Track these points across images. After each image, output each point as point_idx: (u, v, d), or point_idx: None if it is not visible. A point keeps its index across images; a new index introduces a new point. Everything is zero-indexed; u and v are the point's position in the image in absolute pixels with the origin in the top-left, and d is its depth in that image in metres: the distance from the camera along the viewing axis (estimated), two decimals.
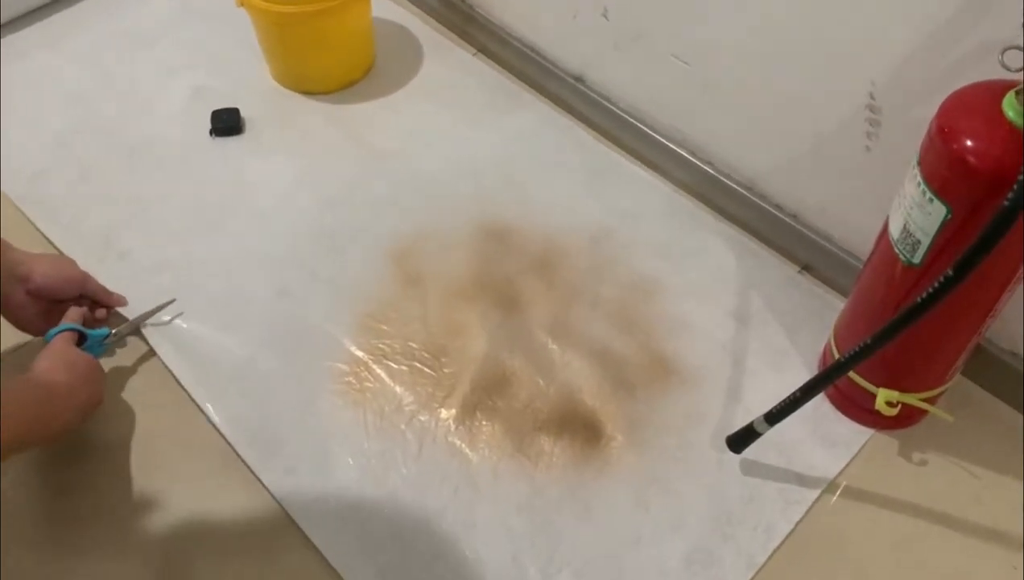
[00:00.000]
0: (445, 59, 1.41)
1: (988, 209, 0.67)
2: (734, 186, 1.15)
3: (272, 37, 1.29)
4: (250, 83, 1.35)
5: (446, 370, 1.04)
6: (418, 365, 1.04)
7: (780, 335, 1.08)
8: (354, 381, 1.02)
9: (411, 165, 1.25)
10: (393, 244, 1.15)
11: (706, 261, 1.15)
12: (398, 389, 1.02)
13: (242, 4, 1.22)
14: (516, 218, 1.19)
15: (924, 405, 0.93)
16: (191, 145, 1.27)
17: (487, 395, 1.02)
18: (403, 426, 0.99)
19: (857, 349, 0.79)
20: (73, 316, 0.98)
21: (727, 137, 1.14)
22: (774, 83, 1.02)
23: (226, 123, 1.28)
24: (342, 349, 1.05)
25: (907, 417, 0.98)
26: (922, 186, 0.76)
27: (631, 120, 1.23)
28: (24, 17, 1.43)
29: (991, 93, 0.73)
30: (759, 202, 1.13)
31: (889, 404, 0.92)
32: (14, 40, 1.41)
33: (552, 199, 1.22)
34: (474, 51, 1.42)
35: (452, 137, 1.29)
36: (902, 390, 0.92)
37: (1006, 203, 0.65)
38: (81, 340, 0.97)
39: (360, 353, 1.05)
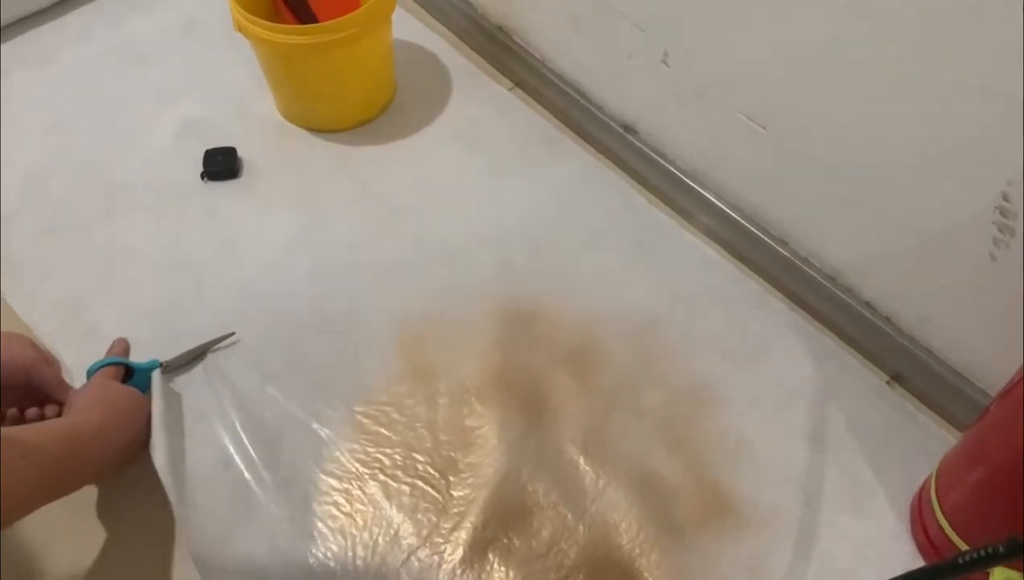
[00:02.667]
0: (476, 93, 1.22)
1: None
2: (813, 274, 0.95)
3: (277, 69, 1.11)
4: (252, 117, 1.17)
5: (455, 493, 0.86)
6: (421, 484, 0.86)
7: (862, 463, 0.88)
8: (344, 502, 0.85)
9: (427, 226, 1.07)
10: (399, 327, 0.97)
11: (776, 363, 0.95)
12: (396, 515, 0.84)
13: (241, 31, 1.05)
14: (546, 298, 1.00)
15: None
16: (178, 190, 1.10)
17: (502, 530, 0.84)
18: (399, 566, 0.81)
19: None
20: (118, 349, 0.91)
21: (809, 216, 0.94)
22: (877, 161, 0.82)
23: (220, 166, 1.11)
24: (332, 457, 0.88)
25: None
26: None
27: (690, 183, 1.03)
28: (9, 27, 1.27)
29: None
30: (843, 297, 0.94)
31: None
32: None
33: (590, 275, 1.02)
34: (511, 85, 1.23)
35: (477, 192, 1.10)
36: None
37: None
38: (128, 375, 0.88)
39: (354, 464, 0.87)
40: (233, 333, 0.96)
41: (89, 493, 0.86)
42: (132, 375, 0.88)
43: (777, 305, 1.00)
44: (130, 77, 1.22)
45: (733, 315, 0.99)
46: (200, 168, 1.11)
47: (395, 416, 0.91)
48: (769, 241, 0.98)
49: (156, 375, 0.90)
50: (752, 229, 0.99)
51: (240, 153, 1.13)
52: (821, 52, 0.79)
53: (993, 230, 0.75)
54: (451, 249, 1.05)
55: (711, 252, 1.04)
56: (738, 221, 1.00)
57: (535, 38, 1.16)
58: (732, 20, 0.86)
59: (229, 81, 1.20)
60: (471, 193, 1.10)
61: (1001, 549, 0.58)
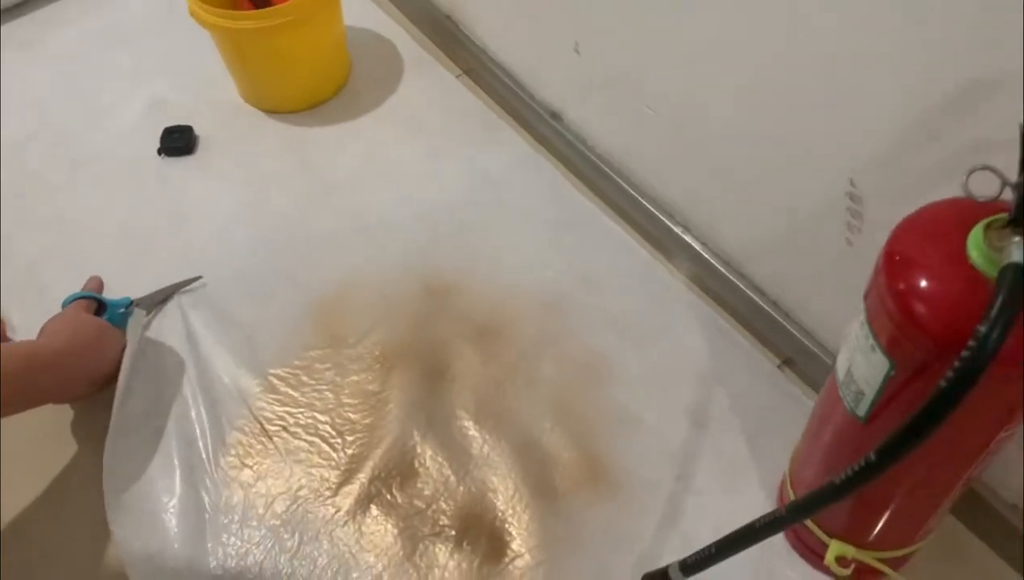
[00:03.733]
0: (426, 79, 1.27)
1: (934, 377, 0.50)
2: (710, 259, 0.99)
3: (229, 53, 1.18)
4: (213, 98, 1.25)
5: (348, 451, 0.92)
6: (319, 442, 0.92)
7: (741, 444, 0.91)
8: (248, 454, 0.92)
9: (361, 201, 1.13)
10: (320, 294, 1.04)
11: (672, 342, 0.99)
12: (293, 469, 0.91)
13: (193, 17, 1.12)
14: (464, 273, 1.06)
15: (883, 567, 0.76)
16: (137, 163, 1.18)
17: (387, 486, 0.89)
18: (288, 515, 0.88)
19: (776, 516, 0.63)
20: (92, 285, 0.98)
21: (706, 203, 0.97)
22: (754, 152, 0.85)
23: (176, 143, 1.18)
24: (243, 412, 0.95)
25: (868, 572, 0.80)
26: (865, 328, 0.59)
27: (606, 169, 1.07)
28: (8, 11, 1.37)
29: (960, 218, 0.55)
30: (737, 282, 0.97)
31: (841, 562, 0.75)
32: None
33: (510, 252, 1.07)
34: (459, 72, 1.28)
35: (414, 171, 1.16)
36: (859, 546, 0.75)
37: (943, 384, 0.49)
38: (101, 309, 0.96)
39: (260, 421, 0.94)
40: (200, 277, 1.05)
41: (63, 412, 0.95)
42: (104, 310, 0.97)
43: (680, 288, 1.03)
44: (109, 59, 1.31)
45: (638, 296, 1.03)
46: (159, 144, 1.19)
47: (304, 379, 0.97)
48: (673, 226, 1.01)
49: (137, 313, 0.99)
50: (658, 214, 1.03)
51: (197, 131, 1.21)
52: (705, 45, 0.82)
53: (846, 216, 0.77)
54: (381, 225, 1.11)
55: (626, 235, 1.08)
56: (646, 207, 1.03)
57: (477, 27, 1.21)
58: (629, 15, 0.89)
59: (198, 64, 1.27)
60: (408, 173, 1.16)
61: (784, 514, 0.62)
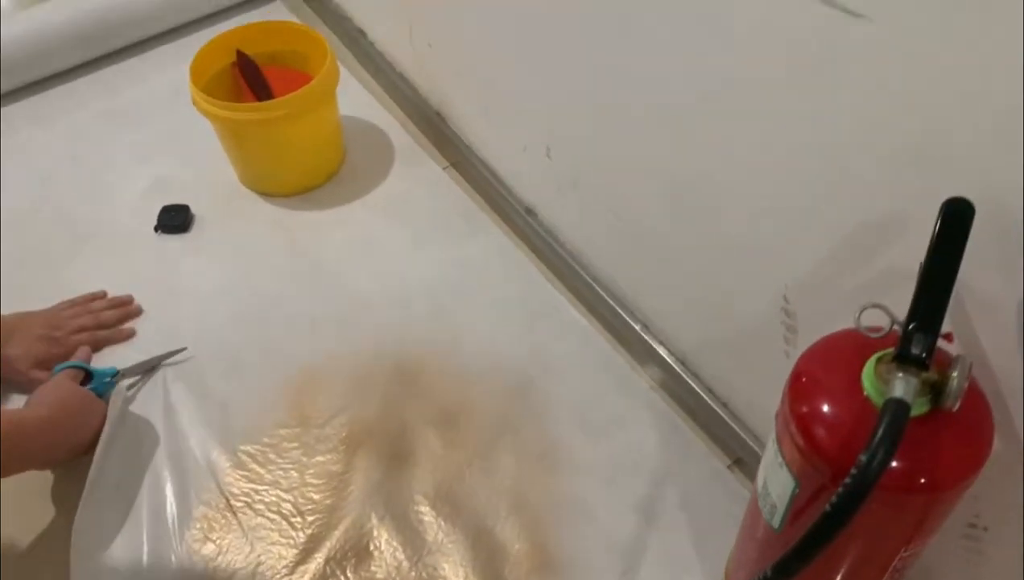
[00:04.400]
0: (414, 170, 1.34)
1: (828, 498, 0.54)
2: (666, 358, 1.03)
3: (228, 141, 1.26)
4: (213, 178, 1.32)
5: (308, 531, 0.95)
6: (280, 520, 0.96)
7: (687, 542, 0.94)
8: (212, 528, 0.95)
9: (343, 283, 1.18)
10: (296, 372, 1.08)
11: (627, 435, 1.03)
12: (254, 546, 0.94)
13: (195, 106, 1.19)
14: (435, 356, 1.10)
15: None
16: (135, 239, 1.24)
17: (342, 568, 0.92)
18: None
19: None
20: (81, 354, 1.05)
21: (660, 302, 1.02)
22: (699, 259, 0.90)
23: (173, 221, 1.25)
24: (211, 486, 0.98)
25: None
26: (775, 445, 0.63)
27: (575, 265, 1.12)
28: (18, 91, 1.46)
29: (861, 348, 0.60)
30: (689, 381, 1.00)
31: None
32: (12, 111, 1.43)
33: (480, 337, 1.12)
34: (446, 164, 1.34)
35: (396, 257, 1.22)
36: None
37: (828, 507, 0.52)
38: (87, 379, 1.01)
39: (227, 496, 0.98)
40: (185, 348, 1.10)
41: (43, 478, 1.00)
42: (91, 379, 1.02)
43: (639, 382, 1.07)
44: (116, 138, 1.39)
45: (597, 387, 1.07)
46: (157, 221, 1.25)
47: (272, 456, 1.01)
48: (633, 323, 1.06)
49: (120, 385, 1.04)
50: (620, 311, 1.07)
51: (194, 210, 1.27)
52: (656, 160, 0.88)
53: (782, 329, 0.81)
54: (359, 306, 1.16)
55: (590, 327, 1.13)
56: (609, 303, 1.08)
57: (463, 125, 1.27)
58: (593, 128, 0.96)
59: (199, 146, 1.34)
60: (389, 259, 1.22)
61: None
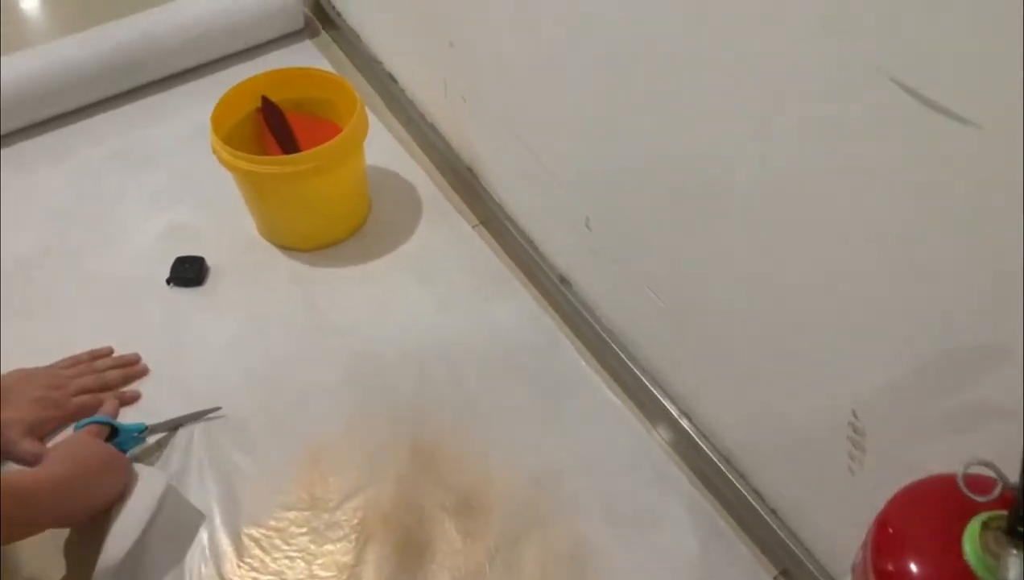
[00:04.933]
0: (442, 227, 1.27)
1: None
2: (710, 454, 0.95)
3: (249, 192, 1.19)
4: (230, 228, 1.25)
5: None
6: None
7: None
8: None
9: (360, 346, 1.11)
10: (307, 446, 1.01)
11: (664, 536, 0.94)
12: None
13: (216, 155, 1.13)
14: (454, 434, 1.02)
15: None
16: (145, 289, 1.18)
17: None
18: None
19: None
20: (107, 409, 1.01)
21: (706, 393, 0.94)
22: (755, 356, 0.82)
23: (187, 273, 1.18)
24: (211, 574, 0.91)
25: None
26: None
27: (611, 343, 1.05)
28: (33, 127, 1.40)
29: (961, 502, 0.51)
30: (735, 482, 0.92)
31: None
32: (21, 148, 1.38)
33: (503, 417, 1.04)
34: (476, 222, 1.27)
35: (418, 320, 1.14)
36: None
37: None
38: (113, 434, 0.96)
39: None
40: (219, 407, 1.04)
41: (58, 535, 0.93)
42: (116, 434, 0.97)
43: (678, 477, 0.99)
44: (133, 179, 1.33)
45: (631, 479, 0.99)
46: (168, 273, 1.19)
47: (278, 542, 0.94)
48: (675, 413, 0.98)
49: (153, 473, 0.95)
50: (660, 398, 0.99)
51: (209, 261, 1.21)
52: (711, 247, 0.80)
53: (848, 445, 0.73)
54: (376, 372, 1.08)
55: (625, 412, 1.05)
56: (648, 388, 1.00)
57: (496, 183, 1.21)
58: (638, 203, 0.88)
59: (217, 194, 1.27)
60: (410, 321, 1.14)
61: None
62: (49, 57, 1.37)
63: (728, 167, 0.72)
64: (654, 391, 1.00)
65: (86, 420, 0.96)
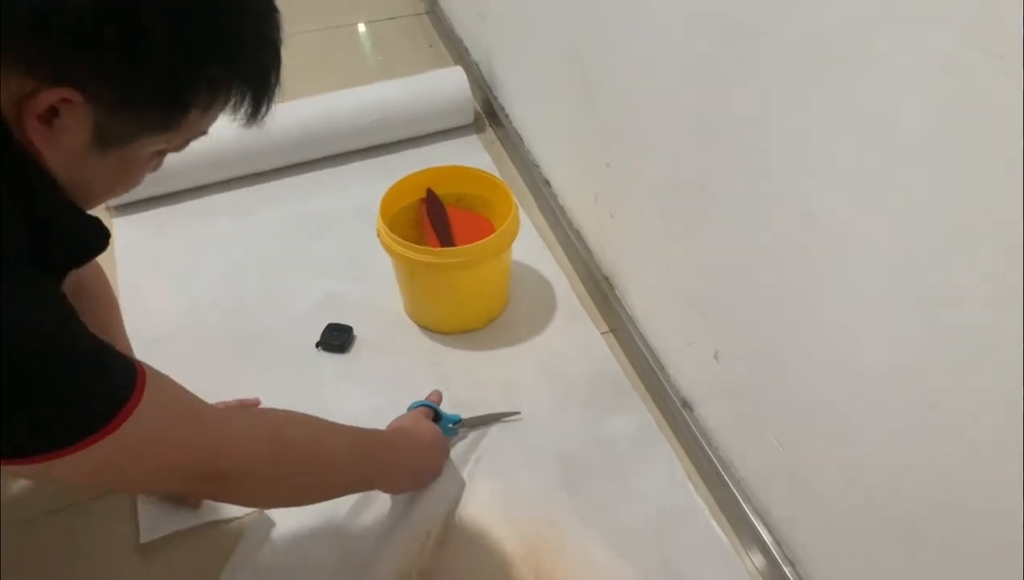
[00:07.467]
0: (572, 331, 1.33)
1: None
2: None
3: (403, 274, 1.29)
4: (380, 303, 1.35)
5: None
6: None
7: None
8: None
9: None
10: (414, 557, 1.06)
11: None
12: None
13: (379, 239, 1.23)
14: (557, 536, 1.05)
15: None
16: (296, 350, 1.29)
17: None
18: None
19: None
20: (433, 397, 1.17)
21: (821, 549, 0.94)
22: (885, 537, 0.81)
23: (335, 340, 1.29)
24: None
25: None
26: None
27: (725, 477, 1.06)
28: (223, 183, 1.57)
29: None
30: None
31: None
32: (215, 201, 1.54)
33: (605, 528, 1.06)
34: (605, 329, 1.33)
35: (537, 413, 1.20)
36: None
37: None
38: (436, 418, 1.13)
39: None
40: (519, 412, 1.19)
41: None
42: (439, 419, 1.13)
43: None
44: (301, 246, 1.46)
45: None
46: (319, 337, 1.29)
47: None
48: (778, 557, 0.98)
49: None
50: (765, 537, 1.00)
51: (357, 332, 1.31)
52: (853, 400, 0.82)
53: None
54: (489, 458, 1.15)
55: (729, 547, 1.05)
56: (759, 532, 1.01)
57: (632, 298, 1.26)
58: (769, 339, 0.91)
59: (373, 269, 1.37)
60: (531, 413, 1.20)
61: None
62: None
63: (861, 350, 0.75)
64: (760, 530, 1.00)
65: (418, 402, 1.13)
